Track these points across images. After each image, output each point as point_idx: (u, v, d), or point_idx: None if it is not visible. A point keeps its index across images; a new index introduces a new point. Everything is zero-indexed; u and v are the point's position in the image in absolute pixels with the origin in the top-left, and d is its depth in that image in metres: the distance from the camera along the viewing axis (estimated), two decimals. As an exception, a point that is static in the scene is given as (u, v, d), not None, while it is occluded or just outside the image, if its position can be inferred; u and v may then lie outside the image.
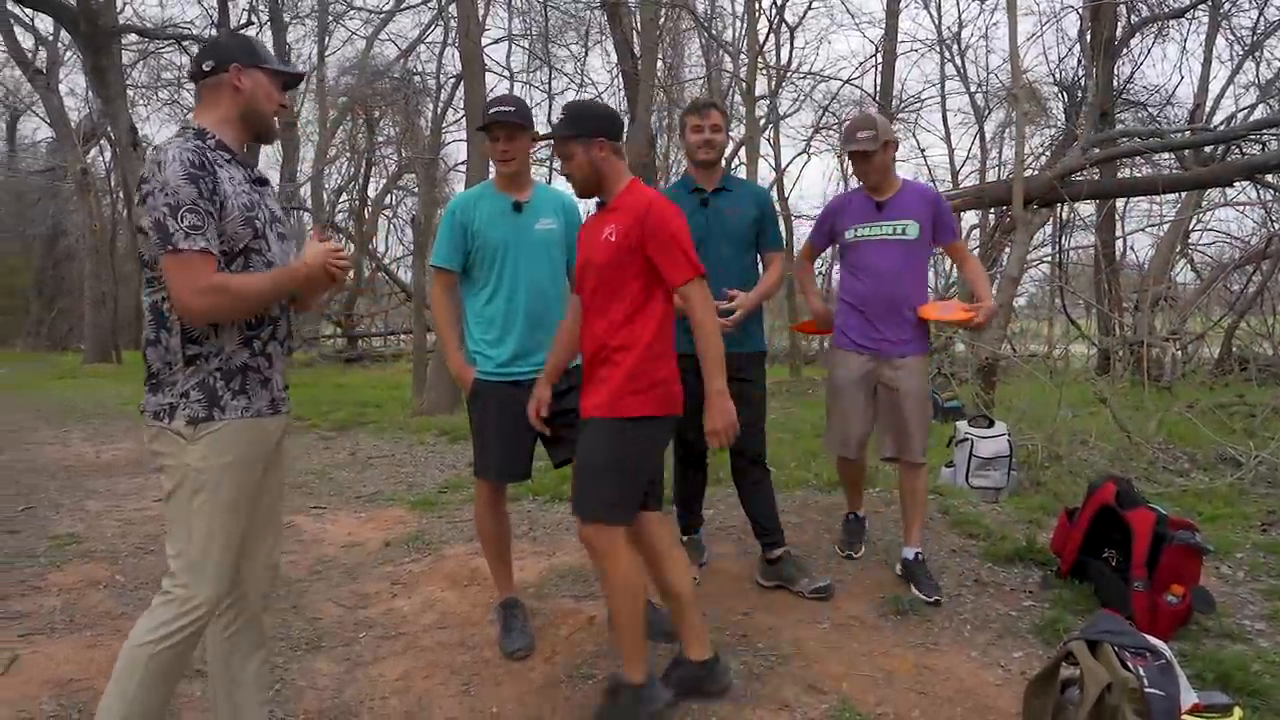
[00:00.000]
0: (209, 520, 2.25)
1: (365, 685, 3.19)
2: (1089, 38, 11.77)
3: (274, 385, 2.41)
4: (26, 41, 17.71)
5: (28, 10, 15.78)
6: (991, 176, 17.50)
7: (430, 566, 4.43)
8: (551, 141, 2.97)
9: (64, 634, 3.63)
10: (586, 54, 19.54)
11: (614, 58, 15.90)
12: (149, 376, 2.29)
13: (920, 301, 3.82)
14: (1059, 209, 11.45)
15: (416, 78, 19.33)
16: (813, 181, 62.29)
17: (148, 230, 2.17)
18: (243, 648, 2.52)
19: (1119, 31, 12.58)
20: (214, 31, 13.45)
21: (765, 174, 16.46)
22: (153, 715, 2.25)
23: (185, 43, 14.85)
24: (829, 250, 4.47)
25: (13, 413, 11.67)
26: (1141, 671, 2.42)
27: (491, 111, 3.28)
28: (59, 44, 18.62)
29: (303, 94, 20.92)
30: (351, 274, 3.13)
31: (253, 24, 14.89)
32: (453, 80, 17.97)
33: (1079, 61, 13.35)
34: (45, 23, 17.12)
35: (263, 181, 2.46)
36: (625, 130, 2.85)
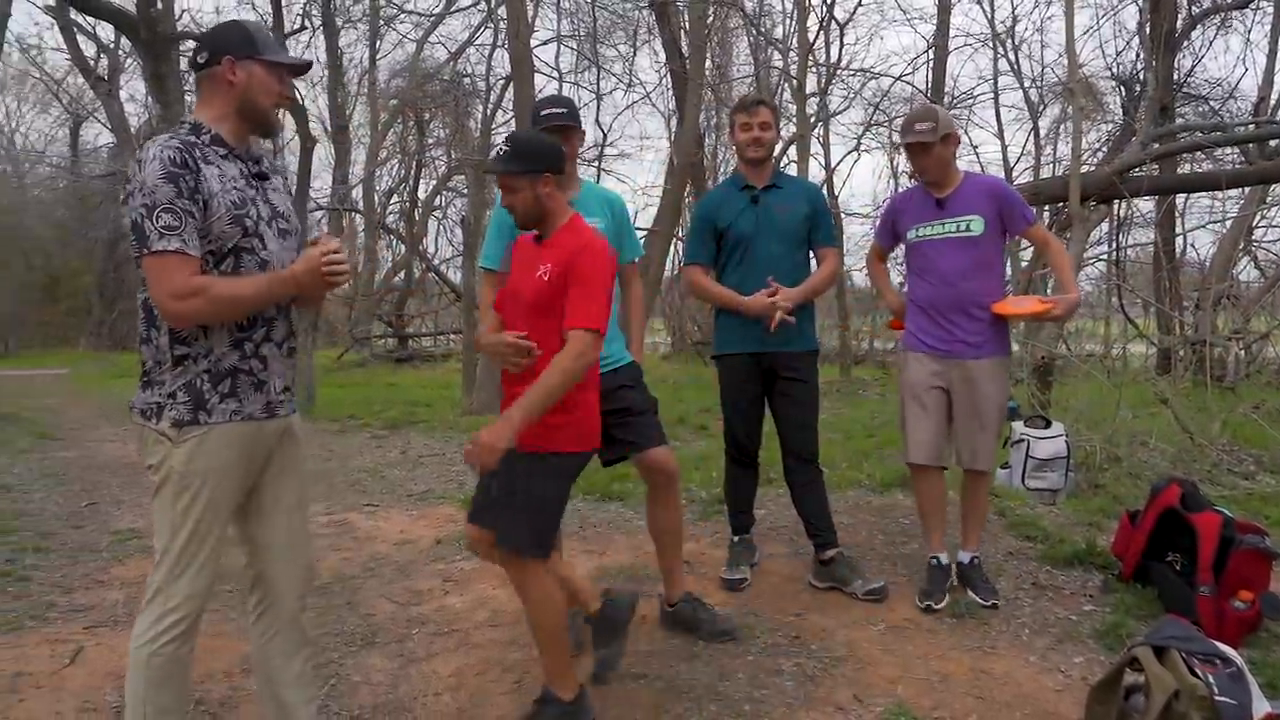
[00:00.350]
0: (192, 522, 2.22)
1: (418, 682, 3.21)
2: (1148, 30, 11.51)
3: (270, 388, 2.34)
4: (89, 49, 18.21)
5: (90, 19, 16.19)
6: (1046, 173, 17.17)
7: (481, 564, 4.43)
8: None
9: (126, 627, 3.70)
10: (634, 54, 19.60)
11: (662, 57, 15.90)
12: (142, 373, 2.26)
13: (993, 300, 3.63)
14: (1116, 205, 11.20)
15: (466, 79, 19.52)
16: (863, 179, 61.70)
17: (128, 230, 2.12)
18: (284, 649, 2.50)
19: (1179, 23, 12.29)
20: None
21: (815, 172, 16.31)
22: (170, 710, 2.26)
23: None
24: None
25: (76, 411, 11.98)
26: (1211, 679, 2.35)
27: (543, 114, 3.27)
28: (120, 51, 19.09)
29: (354, 97, 21.23)
30: (348, 278, 3.00)
31: (306, 28, 15.11)
32: (502, 81, 18.10)
33: (1138, 55, 13.08)
34: (106, 30, 17.56)
35: (264, 176, 2.37)
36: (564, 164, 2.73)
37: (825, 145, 17.17)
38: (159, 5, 12.32)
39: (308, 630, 2.58)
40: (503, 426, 2.49)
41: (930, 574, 3.74)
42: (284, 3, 12.95)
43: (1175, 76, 12.70)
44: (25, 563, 4.65)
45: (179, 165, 2.11)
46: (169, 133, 2.22)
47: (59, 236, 28.72)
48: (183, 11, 16.57)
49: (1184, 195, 12.78)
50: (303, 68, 2.47)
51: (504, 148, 2.76)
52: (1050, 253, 3.84)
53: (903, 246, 3.88)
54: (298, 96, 13.28)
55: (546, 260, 2.68)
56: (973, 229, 3.60)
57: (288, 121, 16.14)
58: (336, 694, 3.10)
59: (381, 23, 19.27)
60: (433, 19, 18.64)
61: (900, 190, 5.64)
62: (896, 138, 18.67)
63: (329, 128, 19.04)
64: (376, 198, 23.31)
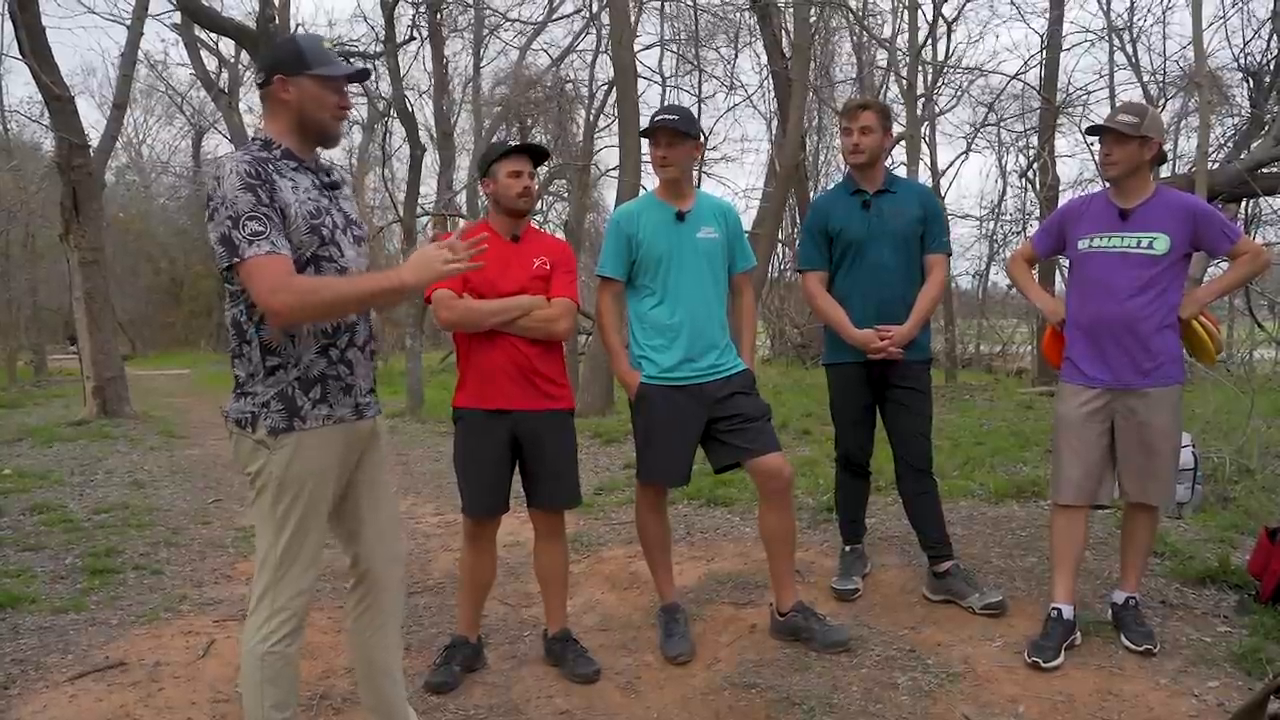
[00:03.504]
0: (293, 524, 2.29)
1: (531, 683, 3.25)
2: (1280, 19, 10.94)
3: (357, 391, 2.42)
4: (210, 64, 19.01)
5: (212, 35, 16.91)
6: (1166, 170, 16.48)
7: (590, 568, 4.50)
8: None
9: (253, 621, 3.86)
10: (736, 56, 19.49)
11: (764, 59, 15.79)
12: (236, 385, 2.34)
13: (1164, 327, 3.26)
14: (1245, 203, 10.69)
15: (569, 85, 19.71)
16: (970, 180, 60.08)
17: (214, 246, 2.19)
18: (386, 643, 2.59)
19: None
20: (379, 48, 14.07)
21: (923, 173, 15.98)
22: (285, 704, 2.36)
23: (351, 59, 15.64)
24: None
25: (198, 411, 12.53)
26: (1366, 711, 2.21)
27: (655, 119, 3.32)
28: (239, 65, 19.87)
29: (459, 104, 21.65)
30: (460, 269, 3.02)
31: (414, 39, 15.49)
32: (605, 87, 18.23)
33: (1269, 44, 12.40)
34: (227, 46, 18.30)
35: (335, 185, 2.45)
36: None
37: (932, 145, 16.80)
38: (276, 21, 12.81)
39: (397, 617, 2.65)
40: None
41: (1047, 626, 3.32)
42: (394, 15, 13.29)
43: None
44: (159, 556, 4.90)
45: (254, 177, 2.19)
46: (242, 149, 2.31)
47: (182, 242, 30.13)
48: (298, 25, 17.19)
49: (1319, 192, 12.08)
50: (356, 76, 2.50)
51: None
52: (1247, 258, 3.37)
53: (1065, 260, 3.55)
54: (406, 107, 13.61)
55: (540, 254, 3.23)
56: (1156, 247, 3.23)
57: (398, 129, 16.57)
58: (453, 693, 3.16)
59: (486, 31, 19.61)
60: (535, 26, 18.87)
61: (1077, 196, 5.19)
62: (1009, 136, 18.16)
63: (434, 135, 19.49)
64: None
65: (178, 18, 15.09)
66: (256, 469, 2.30)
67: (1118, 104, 3.52)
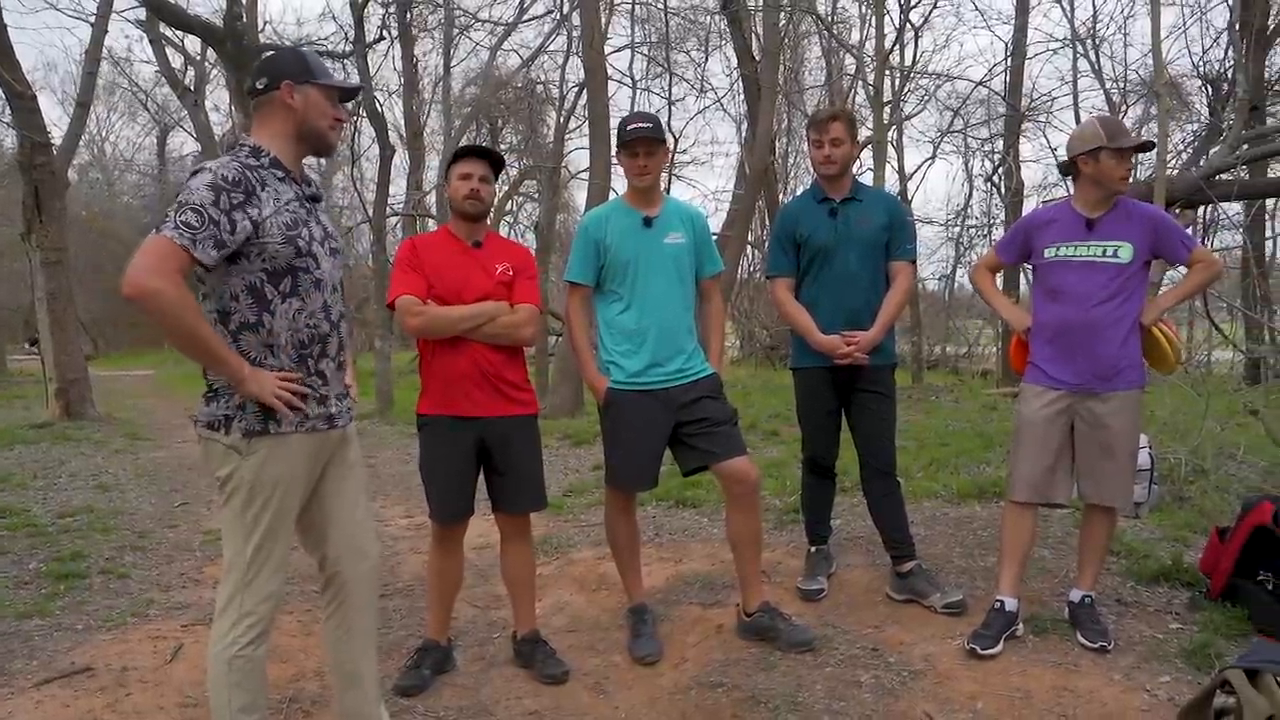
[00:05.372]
0: (263, 529, 2.32)
1: (500, 685, 3.28)
2: (1238, 28, 11.15)
3: (330, 401, 2.45)
4: (176, 61, 18.81)
5: (178, 32, 16.74)
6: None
7: (559, 570, 4.53)
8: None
9: (221, 625, 3.86)
10: (706, 59, 19.58)
11: (734, 62, 15.88)
12: (207, 388, 2.35)
13: (1127, 334, 3.36)
14: (1203, 209, 10.90)
15: (539, 86, 19.70)
16: (936, 184, 60.64)
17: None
18: (357, 646, 2.61)
19: (1271, 20, 11.88)
20: (348, 47, 14.01)
21: (890, 178, 16.18)
22: (252, 707, 2.37)
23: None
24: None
25: (164, 413, 12.42)
26: (1307, 704, 2.30)
27: (630, 128, 3.34)
28: (206, 63, 19.68)
29: (429, 104, 21.57)
30: (290, 413, 3.12)
31: (384, 39, 15.44)
32: (575, 89, 18.25)
33: (1226, 53, 12.66)
34: (193, 43, 18.12)
35: (316, 198, 2.48)
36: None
37: (899, 150, 17.00)
38: (244, 19, 12.72)
39: (370, 624, 2.66)
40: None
41: (989, 616, 3.45)
42: (364, 15, 13.24)
43: (1266, 75, 12.29)
44: (125, 560, 4.87)
45: (231, 183, 2.20)
46: (229, 155, 2.32)
47: (147, 241, 29.72)
48: (266, 23, 17.06)
49: (1275, 198, 12.35)
50: (355, 91, 2.60)
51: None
52: (1202, 266, 3.46)
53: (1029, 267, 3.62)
54: (376, 107, 13.57)
55: (502, 260, 3.26)
56: (1120, 256, 3.33)
57: (366, 128, 16.50)
58: (422, 695, 3.19)
59: (456, 31, 19.57)
60: (506, 27, 18.86)
61: (1040, 205, 5.28)
62: (975, 141, 18.37)
63: (404, 135, 19.42)
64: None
65: (142, 14, 14.91)
66: (227, 473, 2.31)
67: (1091, 113, 3.56)
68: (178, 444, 9.24)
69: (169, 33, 16.85)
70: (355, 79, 13.07)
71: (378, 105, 13.91)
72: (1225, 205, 11.46)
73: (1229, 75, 12.44)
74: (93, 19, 12.72)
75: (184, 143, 31.33)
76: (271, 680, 3.18)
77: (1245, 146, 8.35)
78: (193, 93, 18.09)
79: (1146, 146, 3.44)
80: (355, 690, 2.64)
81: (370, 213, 15.10)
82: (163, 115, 28.60)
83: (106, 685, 3.24)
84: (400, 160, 19.01)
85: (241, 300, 2.29)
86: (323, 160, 21.55)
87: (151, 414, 12.41)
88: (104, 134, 33.04)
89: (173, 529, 5.60)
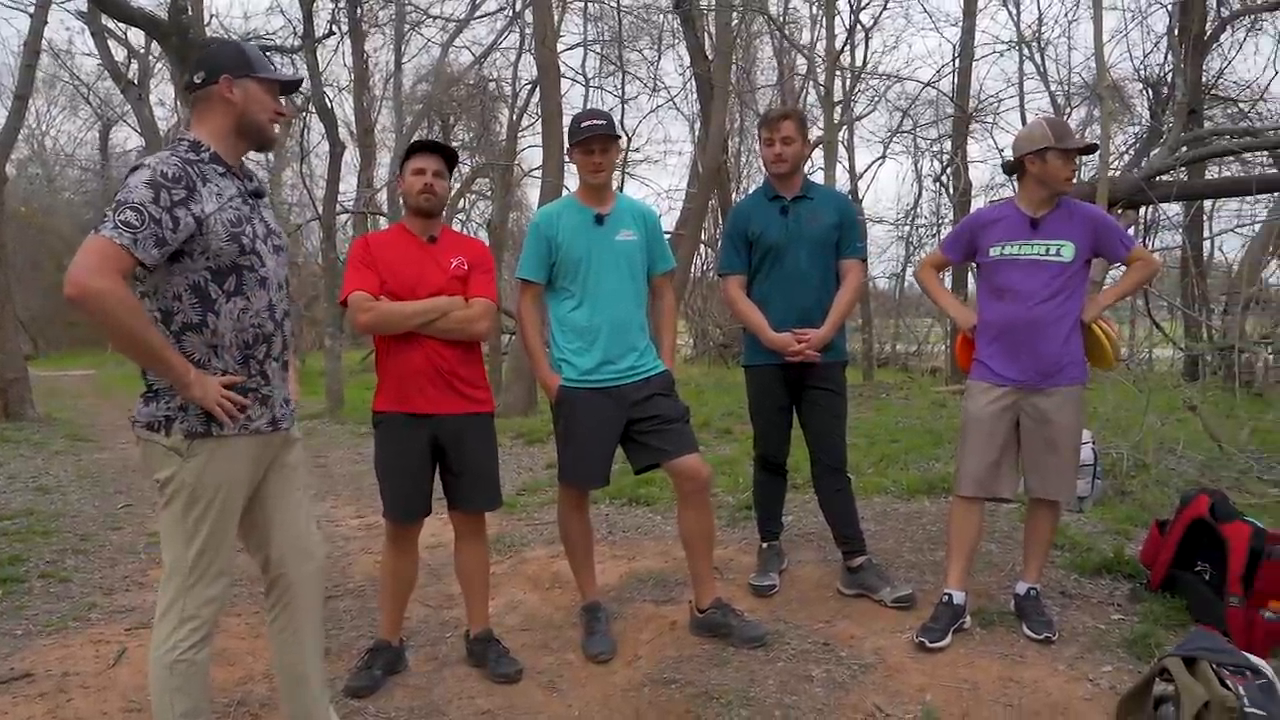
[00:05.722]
0: (205, 532, 2.28)
1: (452, 684, 3.27)
2: (1177, 33, 11.42)
3: (274, 403, 2.42)
4: (119, 54, 18.39)
5: (121, 25, 16.37)
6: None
7: (512, 569, 4.52)
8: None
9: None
10: (659, 58, 19.60)
11: (687, 61, 15.93)
12: (147, 388, 2.30)
13: (1069, 331, 3.43)
14: (1144, 210, 11.13)
15: (492, 84, 19.60)
16: (887, 184, 61.36)
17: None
18: (304, 648, 2.58)
19: (1209, 26, 12.19)
20: (297, 42, 13.80)
21: (841, 177, 16.33)
22: (194, 713, 2.34)
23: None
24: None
25: (106, 413, 12.15)
26: (1241, 690, 2.37)
27: (585, 125, 3.34)
28: (150, 56, 19.27)
29: (380, 101, 21.37)
30: (231, 419, 3.11)
31: (334, 34, 15.23)
32: (527, 86, 18.18)
33: (1166, 57, 12.97)
34: (137, 36, 17.74)
35: (259, 194, 2.44)
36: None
37: (850, 150, 17.18)
38: (189, 12, 12.48)
39: (317, 623, 2.63)
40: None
41: (937, 609, 3.51)
42: (313, 9, 13.06)
43: (1204, 78, 12.60)
44: (66, 564, 4.77)
45: (171, 179, 2.16)
46: (168, 150, 2.27)
47: (88, 238, 29.04)
48: (211, 17, 16.76)
49: (1212, 199, 12.67)
50: (295, 84, 2.55)
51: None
52: (1140, 265, 3.54)
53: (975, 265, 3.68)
54: (325, 103, 13.40)
55: (457, 254, 3.23)
56: (1063, 254, 3.40)
57: (316, 124, 16.26)
58: (373, 696, 3.16)
59: (407, 27, 19.40)
60: (458, 23, 18.73)
61: (986, 204, 5.33)
62: (924, 141, 18.60)
63: (354, 132, 19.21)
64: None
65: (84, 5, 14.56)
66: (167, 476, 2.27)
67: (1038, 114, 3.65)
68: (121, 445, 9.05)
69: (111, 25, 16.48)
70: (304, 74, 12.94)
71: (327, 101, 13.71)
72: (1165, 206, 11.71)
73: (1169, 79, 12.75)
74: (31, 9, 12.38)
75: (128, 138, 30.68)
76: (218, 683, 3.15)
77: (1184, 149, 8.55)
78: (136, 86, 17.70)
79: (1091, 149, 3.52)
80: (302, 692, 2.60)
81: (320, 210, 14.87)
82: (105, 109, 27.95)
83: (47, 691, 3.17)
84: (351, 157, 18.81)
85: (185, 300, 2.24)
86: (271, 156, 21.26)
87: (94, 414, 12.14)
88: (44, 128, 32.21)
89: (116, 531, 5.49)
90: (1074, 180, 3.46)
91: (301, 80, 2.65)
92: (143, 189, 2.12)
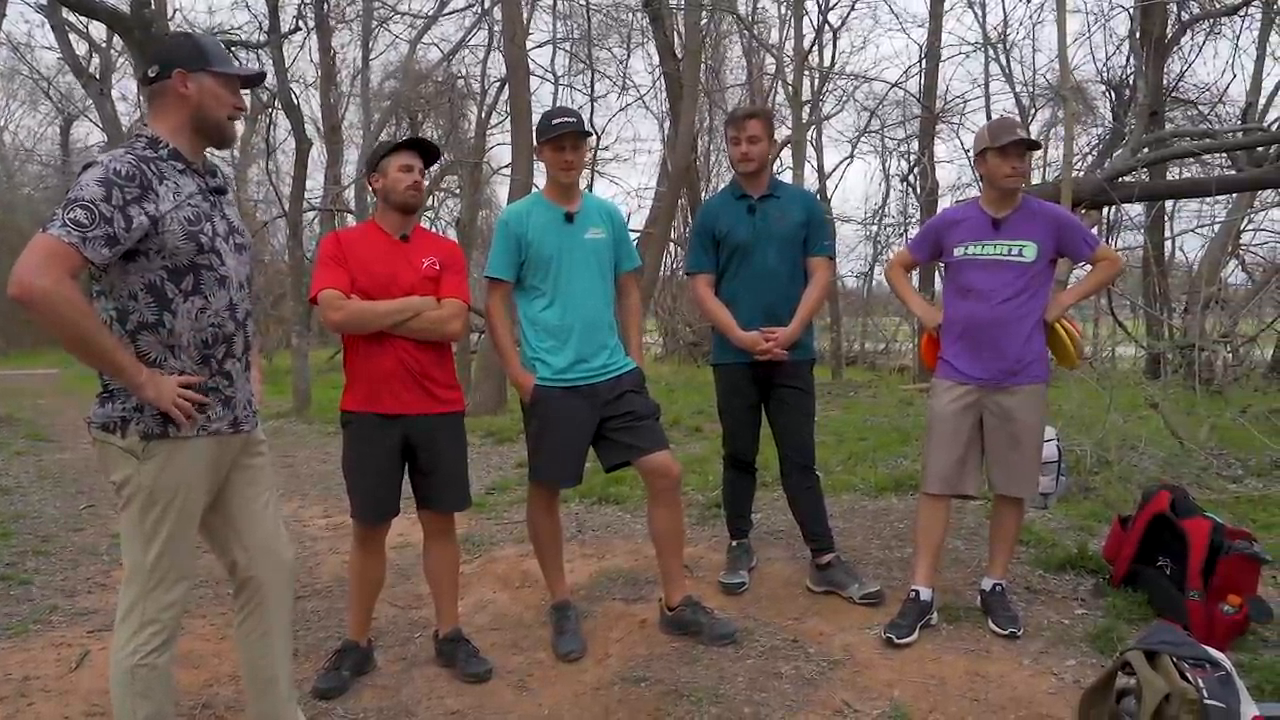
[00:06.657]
0: (164, 535, 2.24)
1: (421, 684, 3.25)
2: (1138, 36, 11.59)
3: (236, 404, 2.37)
4: (80, 48, 18.08)
5: (83, 18, 16.11)
6: (1037, 178, 17.30)
7: (481, 568, 4.50)
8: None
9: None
10: (629, 56, 19.57)
11: (656, 59, 15.93)
12: (102, 388, 2.25)
13: (1032, 330, 3.47)
14: (1106, 210, 11.29)
15: (460, 81, 19.48)
16: (855, 183, 61.72)
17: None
18: (271, 649, 2.55)
19: (1169, 29, 12.38)
20: (262, 37, 13.64)
21: (809, 176, 16.42)
22: (158, 717, 2.30)
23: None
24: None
25: (69, 413, 11.95)
26: (1201, 683, 2.41)
27: (556, 123, 3.33)
28: (112, 50, 18.96)
29: (347, 97, 21.16)
30: (188, 420, 3.11)
31: (300, 29, 15.07)
32: (496, 84, 18.09)
33: (1128, 60, 13.16)
34: (99, 29, 17.45)
35: (221, 190, 2.38)
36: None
37: (818, 149, 17.27)
38: (152, 5, 12.30)
39: (286, 627, 2.61)
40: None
41: (905, 606, 3.55)
42: (278, 4, 12.92)
43: (1165, 81, 12.79)
44: (27, 566, 4.69)
45: (125, 177, 2.11)
46: (125, 147, 2.22)
47: (49, 235, 28.54)
48: (175, 11, 16.54)
49: (1173, 200, 12.88)
50: (255, 78, 2.50)
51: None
52: (1105, 264, 3.58)
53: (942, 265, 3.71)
54: (291, 99, 13.26)
55: (429, 254, 3.20)
56: (1025, 254, 3.44)
57: (282, 121, 16.11)
58: (342, 696, 3.14)
59: (375, 23, 19.24)
60: (426, 20, 18.59)
61: (951, 204, 5.37)
62: (892, 141, 18.74)
63: (321, 128, 19.02)
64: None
65: (44, -2, 14.32)
66: (124, 478, 2.23)
67: (1001, 115, 3.66)
68: (84, 445, 8.90)
69: (73, 18, 16.20)
70: (269, 69, 12.80)
71: (294, 97, 13.56)
72: (1128, 206, 11.90)
73: (1131, 82, 12.93)
74: (-11, 2, 12.14)
75: (89, 133, 30.14)
76: (184, 686, 3.11)
77: (1146, 150, 8.68)
78: (99, 81, 17.37)
79: (1032, 144, 3.55)
80: (271, 694, 2.58)
81: (286, 207, 14.71)
82: (66, 104, 27.42)
83: (7, 696, 3.11)
84: (317, 154, 18.60)
85: (140, 299, 2.19)
86: (236, 152, 21.03)
87: (56, 414, 11.94)
88: (3, 123, 31.62)
89: (78, 533, 5.41)
90: (1020, 176, 3.48)
91: (263, 75, 2.58)
92: (94, 186, 2.07)
